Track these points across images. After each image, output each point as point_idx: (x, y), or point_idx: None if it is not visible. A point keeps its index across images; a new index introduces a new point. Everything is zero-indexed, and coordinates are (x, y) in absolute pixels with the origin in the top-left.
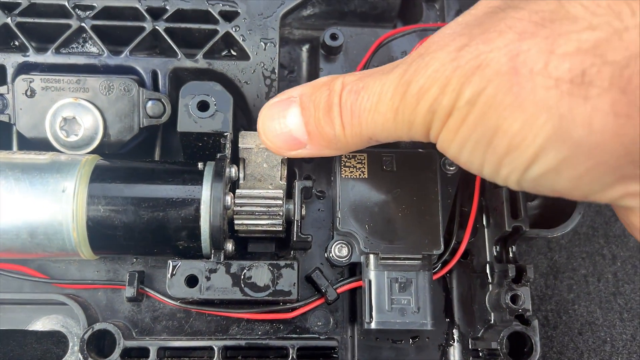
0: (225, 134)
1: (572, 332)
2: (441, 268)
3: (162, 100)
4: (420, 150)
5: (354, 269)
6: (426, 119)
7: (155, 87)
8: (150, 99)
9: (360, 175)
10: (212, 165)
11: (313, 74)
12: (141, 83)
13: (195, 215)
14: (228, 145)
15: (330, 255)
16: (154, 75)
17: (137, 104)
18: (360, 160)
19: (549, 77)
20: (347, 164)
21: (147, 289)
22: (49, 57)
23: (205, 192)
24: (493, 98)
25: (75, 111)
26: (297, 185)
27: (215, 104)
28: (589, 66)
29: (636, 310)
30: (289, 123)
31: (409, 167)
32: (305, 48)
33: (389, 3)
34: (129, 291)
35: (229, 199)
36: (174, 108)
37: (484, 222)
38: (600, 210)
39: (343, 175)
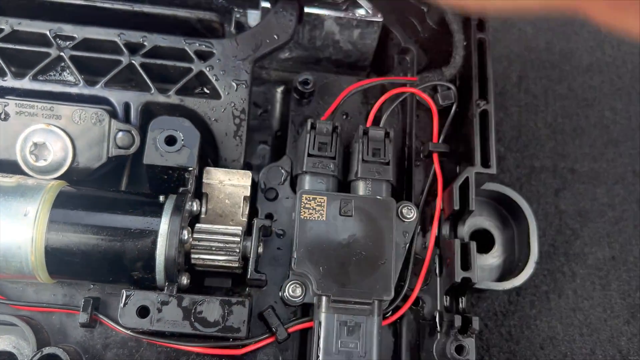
0: (190, 169)
1: (534, 346)
2: (392, 314)
3: (132, 132)
4: (378, 197)
5: (308, 309)
6: None
7: (127, 119)
8: (120, 130)
9: (319, 217)
10: (173, 198)
11: (285, 115)
12: (113, 114)
13: (151, 247)
14: (192, 180)
15: (285, 294)
16: (127, 107)
17: (107, 134)
18: (320, 203)
19: None
20: (307, 206)
21: (100, 316)
22: (25, 83)
23: (163, 225)
24: None
25: (46, 137)
26: (256, 223)
27: (182, 140)
28: None
29: (595, 326)
30: None
31: (366, 213)
32: (280, 90)
33: (362, 53)
34: (83, 317)
35: (186, 233)
36: (144, 140)
37: (437, 271)
38: (561, 230)
39: (302, 217)
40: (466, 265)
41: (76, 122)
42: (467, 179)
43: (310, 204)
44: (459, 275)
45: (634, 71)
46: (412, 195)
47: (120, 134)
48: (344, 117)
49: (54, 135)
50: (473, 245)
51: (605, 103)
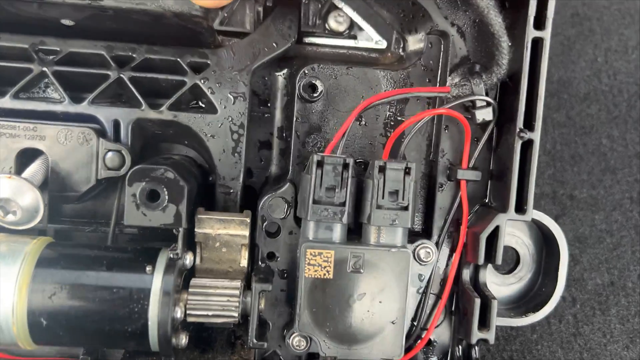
0: (179, 229)
1: None
2: (404, 353)
3: (122, 151)
4: (392, 250)
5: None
6: None
7: (117, 138)
8: (109, 150)
9: (325, 275)
10: (162, 265)
11: (289, 112)
12: (102, 133)
13: (142, 329)
14: (181, 238)
15: (288, 342)
16: (116, 125)
17: (96, 154)
18: (326, 259)
19: None
20: (311, 262)
21: None
22: (6, 102)
23: (153, 308)
24: None
25: (9, 189)
26: (255, 288)
27: (166, 194)
28: None
29: (595, 350)
30: None
31: (377, 268)
32: (282, 73)
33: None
34: None
35: (179, 310)
36: (135, 160)
37: (452, 309)
38: None
39: (307, 275)
40: (484, 322)
41: (61, 143)
42: (497, 228)
43: (315, 260)
44: (475, 336)
45: (629, 100)
46: (433, 227)
47: (109, 154)
48: (358, 123)
49: (17, 185)
50: (494, 304)
51: (602, 131)
